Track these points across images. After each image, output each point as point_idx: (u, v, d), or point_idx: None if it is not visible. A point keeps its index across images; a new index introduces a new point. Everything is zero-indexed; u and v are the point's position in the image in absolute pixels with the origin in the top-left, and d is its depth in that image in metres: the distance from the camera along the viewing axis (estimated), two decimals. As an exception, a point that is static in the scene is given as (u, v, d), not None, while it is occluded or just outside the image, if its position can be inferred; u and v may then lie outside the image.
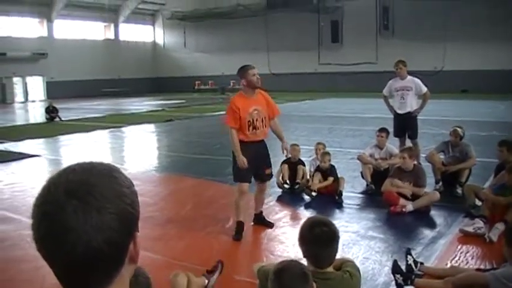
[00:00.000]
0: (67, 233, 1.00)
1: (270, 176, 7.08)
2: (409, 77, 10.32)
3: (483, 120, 19.13)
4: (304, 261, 3.29)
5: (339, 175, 8.80)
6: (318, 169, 8.82)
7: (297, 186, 8.82)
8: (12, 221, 7.59)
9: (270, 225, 7.07)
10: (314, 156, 9.29)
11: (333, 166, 8.89)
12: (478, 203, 7.26)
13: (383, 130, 9.33)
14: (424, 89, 10.26)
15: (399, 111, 10.32)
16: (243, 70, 6.73)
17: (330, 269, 3.27)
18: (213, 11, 46.68)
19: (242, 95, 6.79)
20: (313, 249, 3.22)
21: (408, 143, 10.29)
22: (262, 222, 7.13)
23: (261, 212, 7.23)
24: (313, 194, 8.47)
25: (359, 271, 3.51)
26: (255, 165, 6.71)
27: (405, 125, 10.30)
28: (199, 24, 49.28)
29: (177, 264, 5.58)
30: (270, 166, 6.98)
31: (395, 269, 5.01)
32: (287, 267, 2.92)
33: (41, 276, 5.26)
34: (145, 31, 56.04)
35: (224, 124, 6.77)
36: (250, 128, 6.63)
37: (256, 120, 6.67)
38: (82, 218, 1.00)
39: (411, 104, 10.25)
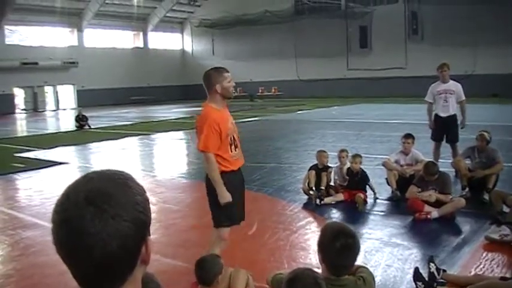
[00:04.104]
0: (85, 238, 1.08)
1: None
2: (451, 81, 10.35)
3: (514, 125, 18.81)
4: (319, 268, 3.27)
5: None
6: (350, 174, 8.78)
7: (319, 193, 8.78)
8: (39, 227, 7.71)
9: None
10: (338, 163, 9.23)
11: (363, 171, 8.86)
12: (506, 209, 7.11)
13: (408, 136, 9.22)
14: (463, 97, 10.32)
15: (442, 114, 10.30)
16: (218, 73, 5.10)
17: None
18: (241, 18, 46.87)
19: (214, 108, 5.11)
20: (333, 259, 3.15)
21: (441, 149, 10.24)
22: None
23: None
24: (317, 201, 8.44)
25: (374, 278, 3.45)
26: (242, 201, 5.32)
27: (446, 129, 10.30)
28: (227, 31, 49.50)
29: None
30: None
31: (416, 276, 4.94)
32: (300, 277, 2.89)
33: (64, 281, 5.32)
34: (174, 39, 56.54)
35: (201, 151, 5.10)
36: (232, 147, 5.12)
37: (238, 137, 5.28)
38: (99, 224, 1.08)
39: (453, 106, 10.28)
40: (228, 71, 5.13)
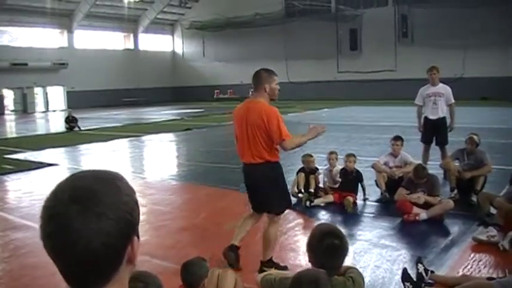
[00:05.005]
0: (69, 234, 1.10)
1: None
2: (441, 84, 10.43)
3: (502, 127, 18.97)
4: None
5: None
6: (343, 172, 8.82)
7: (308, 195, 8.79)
8: (28, 229, 7.69)
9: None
10: (328, 166, 9.27)
11: (358, 171, 8.91)
12: (493, 211, 7.18)
13: (398, 138, 9.30)
14: (452, 100, 10.39)
15: (431, 117, 10.37)
16: (269, 74, 5.58)
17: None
18: (231, 20, 46.89)
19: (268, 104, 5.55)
20: (321, 259, 3.19)
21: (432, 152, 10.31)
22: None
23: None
24: (307, 202, 8.47)
25: (363, 279, 3.49)
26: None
27: (436, 131, 10.37)
28: (218, 33, 49.54)
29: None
30: None
31: (405, 277, 4.99)
32: (303, 279, 2.92)
33: (54, 282, 5.33)
34: (164, 41, 56.53)
35: (283, 139, 5.38)
36: None
37: None
38: (83, 221, 1.10)
39: (442, 109, 10.34)
40: (276, 74, 5.64)
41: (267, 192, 5.59)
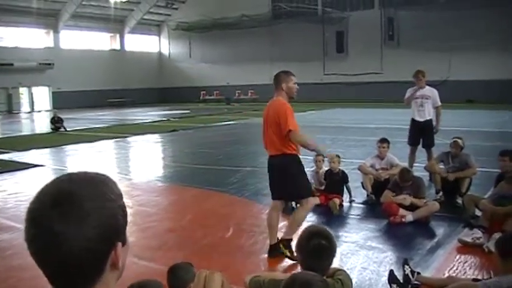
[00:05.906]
0: (51, 237, 1.10)
1: None
2: (427, 87, 10.49)
3: (488, 130, 19.10)
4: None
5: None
6: (329, 174, 8.84)
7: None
8: (14, 230, 7.63)
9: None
10: (314, 167, 9.29)
11: (344, 171, 8.95)
12: (478, 213, 7.23)
13: (384, 140, 9.34)
14: (439, 103, 10.45)
15: (418, 119, 10.43)
16: (286, 74, 6.28)
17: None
18: (218, 21, 46.84)
19: (285, 101, 6.17)
20: (308, 259, 3.19)
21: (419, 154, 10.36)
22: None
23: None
24: (293, 204, 8.41)
25: (351, 280, 3.50)
26: None
27: (422, 133, 10.44)
28: (204, 34, 49.45)
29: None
30: None
31: (391, 278, 5.02)
32: (293, 282, 2.92)
33: (41, 284, 5.30)
34: (151, 41, 56.29)
35: (289, 130, 5.89)
36: None
37: None
38: (64, 226, 1.10)
39: (429, 111, 10.41)
40: (293, 75, 6.37)
41: (284, 180, 6.11)
